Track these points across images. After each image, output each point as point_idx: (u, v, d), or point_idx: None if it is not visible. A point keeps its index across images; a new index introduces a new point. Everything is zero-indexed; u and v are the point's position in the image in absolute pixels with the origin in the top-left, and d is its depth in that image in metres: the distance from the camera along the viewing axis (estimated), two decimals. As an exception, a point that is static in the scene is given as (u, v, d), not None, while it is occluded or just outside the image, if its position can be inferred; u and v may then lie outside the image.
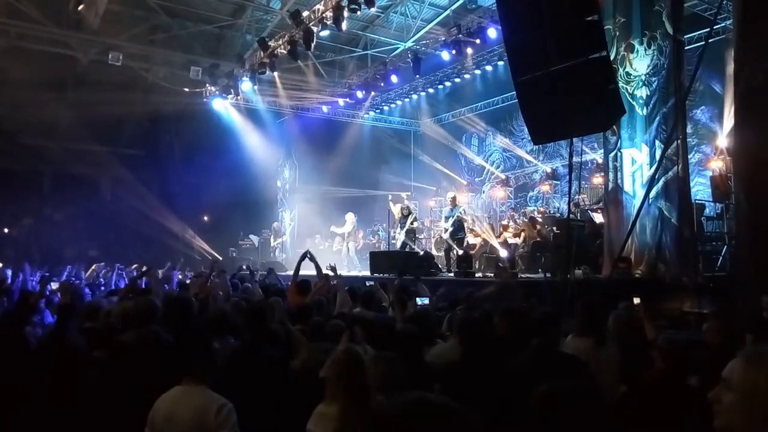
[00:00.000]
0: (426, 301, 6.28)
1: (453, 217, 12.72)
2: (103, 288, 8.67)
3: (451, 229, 12.74)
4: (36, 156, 16.75)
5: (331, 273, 7.75)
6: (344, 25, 12.55)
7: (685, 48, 9.62)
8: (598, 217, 11.19)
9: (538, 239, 12.09)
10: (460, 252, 12.04)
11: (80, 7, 11.93)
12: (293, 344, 3.77)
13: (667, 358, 2.89)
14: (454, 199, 13.11)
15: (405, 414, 0.97)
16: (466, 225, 14.94)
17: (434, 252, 14.31)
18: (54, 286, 6.71)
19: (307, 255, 7.14)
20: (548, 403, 1.33)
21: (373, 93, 18.32)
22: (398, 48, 16.67)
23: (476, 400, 2.84)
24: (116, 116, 16.38)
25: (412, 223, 13.68)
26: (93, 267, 11.25)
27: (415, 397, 0.99)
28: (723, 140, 11.59)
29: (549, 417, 1.30)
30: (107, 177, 18.55)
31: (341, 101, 18.37)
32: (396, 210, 14.51)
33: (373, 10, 13.35)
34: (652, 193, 8.67)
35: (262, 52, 14.68)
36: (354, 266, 14.99)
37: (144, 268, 7.20)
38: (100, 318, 4.56)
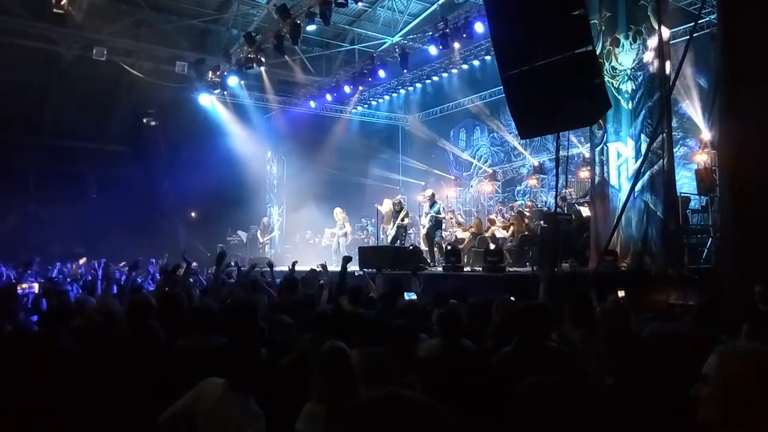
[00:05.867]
0: (413, 296, 6.28)
1: (431, 213, 12.97)
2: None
3: (428, 225, 13.04)
4: (21, 152, 16.54)
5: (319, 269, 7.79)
6: (331, 20, 12.52)
7: (671, 42, 9.68)
8: (585, 211, 11.25)
9: (526, 233, 12.16)
10: (449, 247, 12.09)
11: (63, 2, 11.79)
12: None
13: (652, 350, 2.92)
14: (432, 196, 13.35)
15: (375, 408, 0.97)
16: (454, 219, 15.01)
17: (423, 247, 14.32)
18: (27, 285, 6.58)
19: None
20: (528, 399, 1.34)
21: (360, 88, 18.24)
22: (385, 43, 16.65)
23: (457, 394, 2.87)
24: (101, 112, 16.21)
25: (402, 220, 13.69)
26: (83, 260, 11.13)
27: (385, 392, 1.00)
28: (708, 134, 11.68)
29: (529, 412, 1.31)
30: (93, 173, 18.37)
31: (329, 96, 18.27)
32: (385, 207, 14.52)
33: (360, 4, 13.32)
34: (638, 187, 8.73)
35: (248, 47, 14.58)
36: (343, 261, 14.96)
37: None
38: (85, 315, 4.50)
